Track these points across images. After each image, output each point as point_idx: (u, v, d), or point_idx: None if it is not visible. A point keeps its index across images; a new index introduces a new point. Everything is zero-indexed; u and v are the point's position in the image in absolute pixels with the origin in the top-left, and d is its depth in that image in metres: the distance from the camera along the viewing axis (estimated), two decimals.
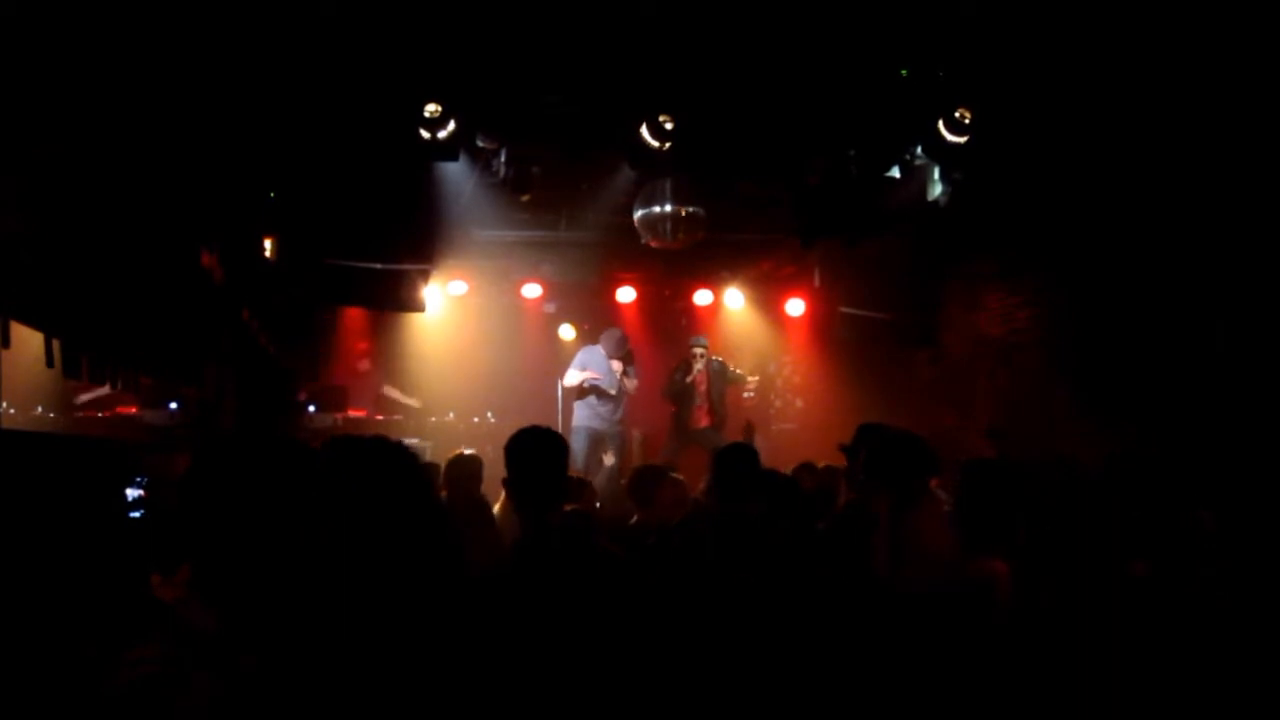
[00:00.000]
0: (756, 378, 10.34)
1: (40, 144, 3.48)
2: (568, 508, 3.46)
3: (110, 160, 4.16)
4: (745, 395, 11.10)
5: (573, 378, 9.20)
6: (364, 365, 10.06)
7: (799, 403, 11.14)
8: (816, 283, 10.74)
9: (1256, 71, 5.20)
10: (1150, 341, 6.22)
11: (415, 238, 8.43)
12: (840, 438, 4.52)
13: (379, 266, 8.78)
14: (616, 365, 9.23)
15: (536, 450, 3.15)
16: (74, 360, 3.88)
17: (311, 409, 8.91)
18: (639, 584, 2.84)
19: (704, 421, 9.35)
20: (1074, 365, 7.04)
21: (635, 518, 5.11)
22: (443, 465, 5.47)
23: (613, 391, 9.19)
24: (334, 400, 9.31)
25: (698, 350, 9.39)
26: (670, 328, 11.02)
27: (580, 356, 9.35)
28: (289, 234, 7.48)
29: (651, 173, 7.71)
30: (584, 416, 9.15)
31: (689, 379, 9.30)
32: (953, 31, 6.04)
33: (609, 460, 8.80)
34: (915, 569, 3.20)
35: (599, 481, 7.90)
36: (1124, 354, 6.46)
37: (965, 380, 8.44)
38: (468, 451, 5.67)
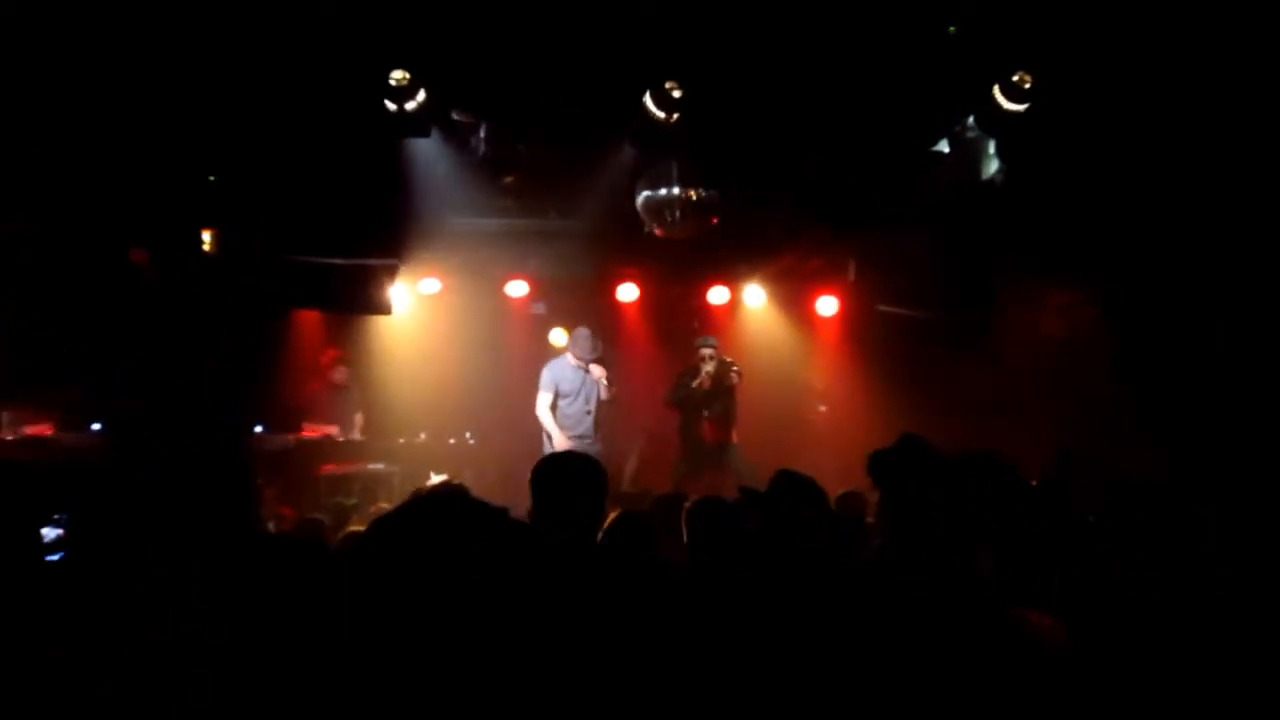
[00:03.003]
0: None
1: None
2: None
3: (15, 136, 4.15)
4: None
5: (544, 404, 9.12)
6: (339, 375, 10.03)
7: (822, 408, 11.15)
8: (851, 277, 10.72)
9: None
10: (1237, 346, 6.20)
11: (380, 227, 8.43)
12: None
13: (338, 262, 8.77)
14: (598, 370, 9.14)
15: (574, 478, 3.31)
16: None
17: (259, 429, 8.89)
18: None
19: (717, 436, 9.34)
20: (1147, 372, 7.02)
21: None
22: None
23: (589, 409, 9.12)
24: (286, 419, 9.28)
25: (706, 352, 9.35)
26: (680, 331, 10.93)
27: (547, 374, 9.24)
28: (232, 225, 7.49)
29: (657, 150, 7.71)
30: (556, 440, 9.00)
31: (695, 383, 9.25)
32: None
33: None
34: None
35: None
36: (1206, 360, 6.43)
37: (1022, 389, 8.42)
38: (439, 478, 5.65)
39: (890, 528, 4.27)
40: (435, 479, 7.37)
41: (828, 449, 10.25)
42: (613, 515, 4.51)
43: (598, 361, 9.13)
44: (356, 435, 9.71)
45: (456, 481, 5.82)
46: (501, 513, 2.14)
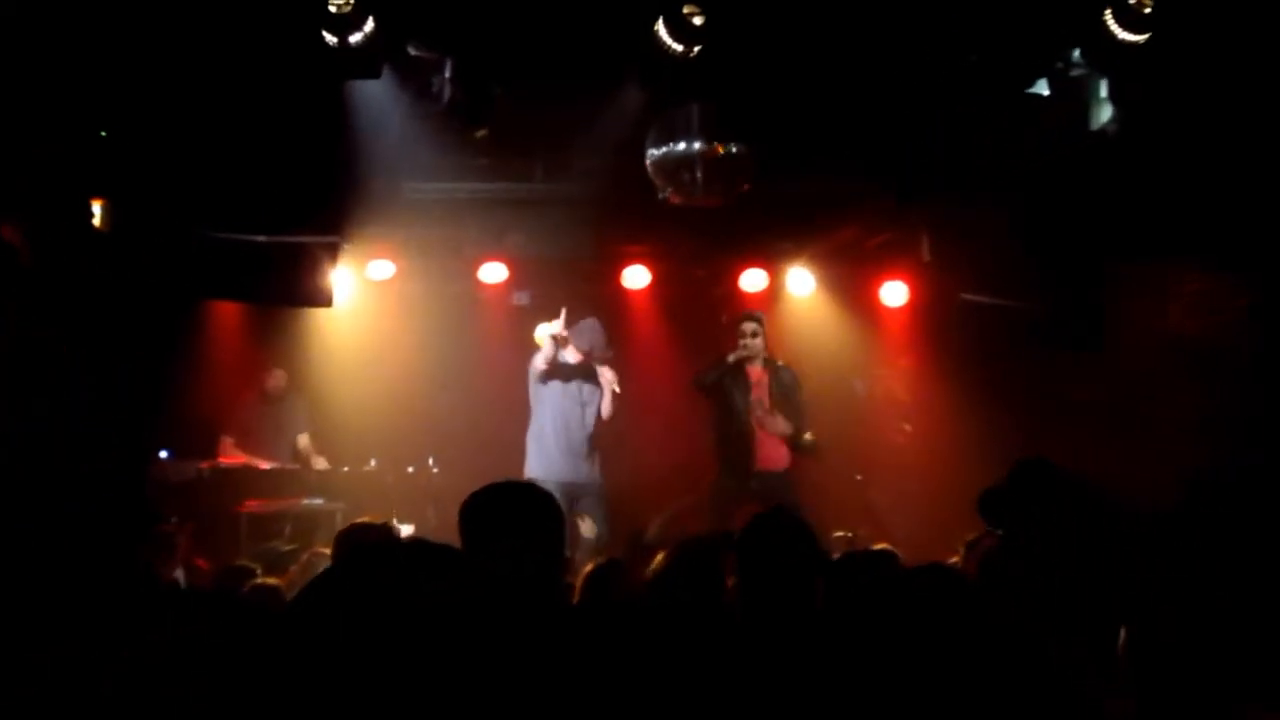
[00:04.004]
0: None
1: None
2: None
3: None
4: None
5: (540, 359, 8.98)
6: (272, 381, 10.05)
7: (906, 427, 11.17)
8: (925, 257, 10.74)
9: None
10: None
11: (317, 196, 8.44)
12: (967, 481, 4.49)
13: (262, 239, 8.79)
14: (609, 374, 9.04)
15: (517, 511, 3.25)
16: None
17: (164, 454, 8.92)
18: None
19: (774, 455, 9.04)
20: None
21: None
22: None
23: (588, 426, 8.97)
24: (197, 442, 9.32)
25: (748, 326, 9.19)
26: (704, 325, 10.94)
27: (539, 356, 9.08)
28: (129, 193, 7.51)
29: (672, 93, 7.72)
30: (543, 465, 8.91)
31: (733, 358, 9.01)
32: None
33: (587, 530, 8.52)
34: None
35: (579, 560, 7.76)
36: None
37: (1146, 398, 8.41)
38: (405, 529, 5.62)
39: (1017, 579, 4.25)
40: (401, 529, 7.33)
41: (912, 477, 10.23)
42: (587, 568, 4.50)
43: (606, 363, 9.04)
44: (322, 465, 9.71)
45: (381, 522, 5.84)
46: (446, 551, 2.30)
